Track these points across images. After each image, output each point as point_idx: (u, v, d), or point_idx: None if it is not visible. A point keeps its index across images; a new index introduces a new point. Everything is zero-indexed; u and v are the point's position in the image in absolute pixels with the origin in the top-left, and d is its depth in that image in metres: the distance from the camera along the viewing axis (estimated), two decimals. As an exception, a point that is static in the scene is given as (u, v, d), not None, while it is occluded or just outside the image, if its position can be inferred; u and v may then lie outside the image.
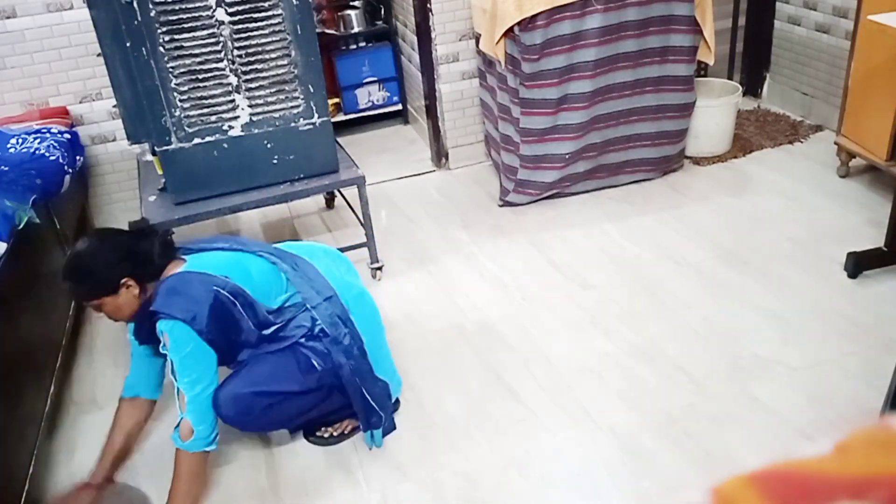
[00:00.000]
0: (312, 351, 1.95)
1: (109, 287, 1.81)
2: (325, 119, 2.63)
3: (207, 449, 1.83)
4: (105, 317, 1.90)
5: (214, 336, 1.80)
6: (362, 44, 4.37)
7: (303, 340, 1.95)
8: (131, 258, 1.83)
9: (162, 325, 1.77)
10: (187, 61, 2.42)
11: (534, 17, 2.89)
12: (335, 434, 2.12)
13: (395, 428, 2.12)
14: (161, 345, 1.82)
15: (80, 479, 1.96)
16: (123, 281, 1.82)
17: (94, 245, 1.84)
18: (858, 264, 2.57)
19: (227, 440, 2.19)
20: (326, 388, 1.97)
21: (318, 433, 2.13)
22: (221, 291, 1.83)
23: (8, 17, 3.09)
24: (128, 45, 2.34)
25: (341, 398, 2.01)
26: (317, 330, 1.96)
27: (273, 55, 2.49)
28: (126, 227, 2.00)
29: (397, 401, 2.21)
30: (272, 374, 1.92)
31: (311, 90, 2.57)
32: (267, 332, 1.93)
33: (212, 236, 2.09)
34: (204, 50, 2.42)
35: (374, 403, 2.02)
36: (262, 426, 2.06)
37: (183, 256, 1.94)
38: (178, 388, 1.79)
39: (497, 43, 3.02)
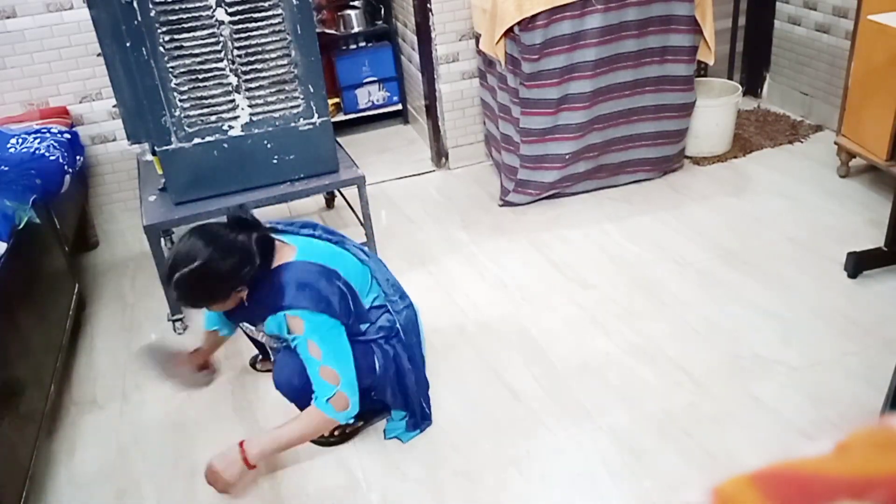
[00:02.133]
0: (382, 352, 1.97)
1: (224, 296, 1.80)
2: (325, 119, 2.63)
3: (344, 422, 1.90)
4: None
5: (347, 322, 1.86)
6: (362, 44, 4.37)
7: (381, 341, 1.99)
8: (246, 265, 1.76)
9: (293, 314, 1.78)
10: (187, 61, 2.42)
11: (534, 17, 2.89)
12: (336, 434, 2.12)
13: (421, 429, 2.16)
14: (283, 331, 1.83)
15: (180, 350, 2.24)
16: (238, 290, 1.80)
17: (210, 257, 1.73)
18: (858, 264, 2.57)
19: (227, 440, 2.18)
20: (368, 389, 1.95)
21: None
22: (341, 285, 1.86)
23: (8, 17, 3.09)
24: (128, 45, 2.34)
25: (371, 403, 2.00)
26: (393, 333, 2.00)
27: (273, 55, 2.49)
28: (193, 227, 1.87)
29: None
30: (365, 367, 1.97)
31: (311, 90, 2.57)
32: (363, 328, 1.96)
33: (294, 220, 2.06)
34: (204, 50, 2.42)
35: (427, 409, 2.13)
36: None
37: (286, 241, 1.90)
38: (313, 374, 1.79)
39: (497, 43, 3.02)
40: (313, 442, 2.12)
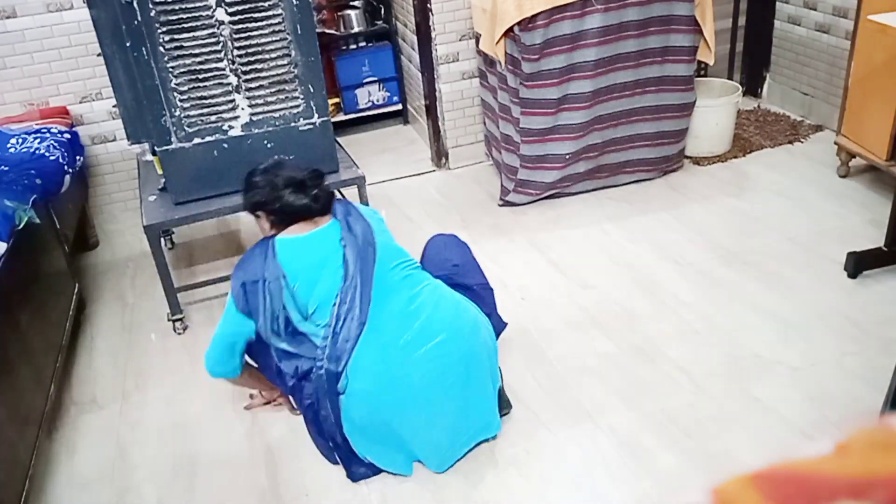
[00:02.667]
0: (300, 393, 2.02)
1: (249, 208, 2.07)
2: (325, 119, 2.63)
3: (211, 377, 2.08)
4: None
5: (243, 308, 1.97)
6: (362, 44, 4.37)
7: (292, 379, 2.00)
8: (271, 199, 1.97)
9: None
10: (187, 61, 2.42)
11: (534, 17, 2.89)
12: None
13: (368, 476, 2.01)
14: None
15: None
16: (257, 212, 2.03)
17: (266, 171, 2.03)
18: (858, 264, 2.57)
19: (227, 440, 2.19)
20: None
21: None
22: (263, 283, 1.94)
23: (8, 17, 3.09)
24: (128, 45, 2.34)
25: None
26: (313, 375, 1.93)
27: (273, 55, 2.49)
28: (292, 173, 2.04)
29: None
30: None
31: (311, 90, 2.57)
32: (282, 331, 1.99)
33: (356, 206, 2.11)
34: (204, 50, 2.42)
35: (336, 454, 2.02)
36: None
37: (318, 222, 2.00)
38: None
39: (497, 43, 3.01)
40: None
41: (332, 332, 1.90)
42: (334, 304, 1.91)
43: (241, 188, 2.09)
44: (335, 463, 2.02)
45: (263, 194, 1.99)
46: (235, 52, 2.45)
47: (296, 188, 1.96)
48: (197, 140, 2.53)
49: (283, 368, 2.00)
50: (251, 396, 2.30)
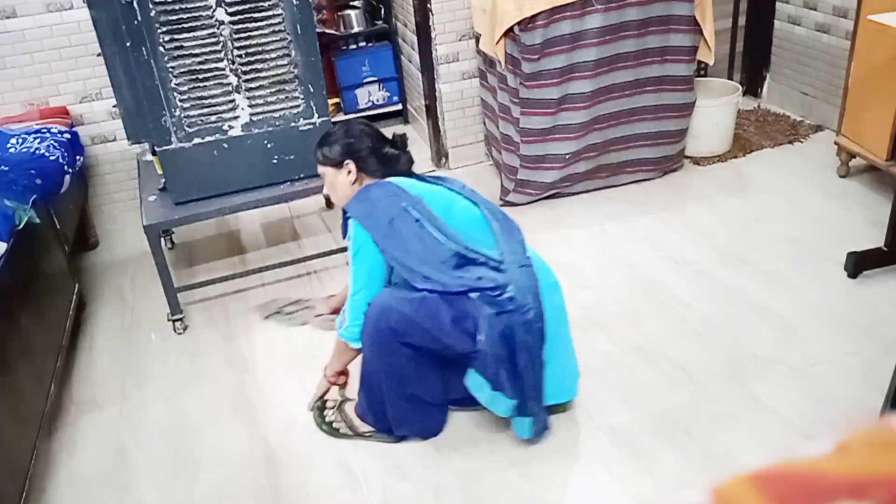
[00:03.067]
0: (489, 323, 1.83)
1: (337, 159, 2.00)
2: (325, 119, 2.63)
3: (351, 344, 1.99)
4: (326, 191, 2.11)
5: (387, 247, 1.88)
6: (362, 44, 4.37)
7: (475, 296, 1.85)
8: (367, 148, 2.00)
9: (349, 224, 1.94)
10: (187, 61, 2.42)
11: (534, 17, 2.89)
12: (344, 428, 2.13)
13: (547, 428, 2.02)
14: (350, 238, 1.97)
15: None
16: (347, 162, 1.99)
17: (350, 123, 2.07)
18: (858, 264, 2.57)
19: (227, 440, 2.19)
20: (467, 359, 1.89)
21: (327, 417, 2.16)
22: (409, 210, 1.89)
23: (8, 17, 3.09)
24: (128, 45, 2.34)
25: (459, 387, 1.95)
26: (504, 296, 1.85)
27: (273, 55, 2.49)
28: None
29: (562, 406, 2.09)
30: (427, 312, 1.85)
31: (311, 90, 2.57)
32: (457, 251, 1.89)
33: (441, 177, 2.13)
34: (204, 50, 2.42)
35: (536, 401, 1.94)
36: (381, 354, 1.92)
37: (406, 177, 2.03)
38: (351, 279, 1.96)
39: (497, 43, 3.02)
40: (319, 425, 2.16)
41: (505, 236, 1.97)
42: (485, 219, 1.99)
43: (326, 140, 2.04)
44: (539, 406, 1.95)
45: (363, 142, 2.00)
46: (235, 52, 2.45)
47: (392, 145, 2.05)
48: (197, 140, 2.53)
49: (469, 306, 1.85)
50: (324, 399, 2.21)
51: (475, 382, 1.91)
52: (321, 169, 2.06)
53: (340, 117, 4.23)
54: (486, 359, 1.86)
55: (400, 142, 2.08)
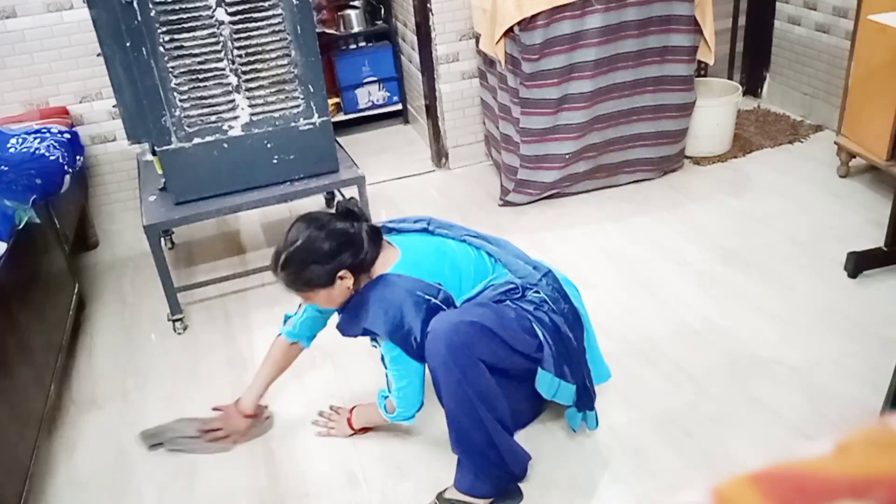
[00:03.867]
0: (535, 318, 1.83)
1: (326, 279, 1.76)
2: (325, 119, 2.63)
3: (406, 423, 1.98)
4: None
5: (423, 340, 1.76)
6: (362, 44, 4.37)
7: (508, 302, 1.83)
8: (348, 249, 1.76)
9: (379, 337, 1.80)
10: (187, 61, 2.42)
11: (534, 16, 2.89)
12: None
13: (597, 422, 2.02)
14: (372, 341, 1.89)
15: (231, 401, 2.17)
16: (341, 274, 1.77)
17: (312, 235, 1.75)
18: (858, 264, 2.57)
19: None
20: (530, 371, 1.83)
21: (446, 494, 1.90)
22: (432, 301, 1.77)
23: (8, 17, 3.09)
24: (128, 45, 2.34)
25: (528, 401, 1.95)
26: (532, 296, 1.86)
27: (273, 55, 2.49)
28: (309, 213, 1.87)
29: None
30: (494, 316, 1.77)
31: (311, 90, 2.57)
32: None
33: (409, 217, 2.03)
34: (204, 50, 2.42)
35: (589, 384, 1.94)
36: (466, 377, 1.71)
37: (392, 243, 1.87)
38: (387, 374, 1.88)
39: (497, 43, 3.02)
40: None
41: (508, 255, 1.97)
42: (481, 253, 1.95)
43: (299, 271, 1.76)
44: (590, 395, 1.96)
45: (342, 246, 1.76)
46: (235, 52, 2.45)
47: (355, 219, 1.82)
48: (197, 140, 2.53)
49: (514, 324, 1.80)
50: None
51: (544, 380, 1.86)
52: (308, 295, 1.82)
53: (341, 117, 4.23)
54: (550, 352, 1.83)
55: (358, 211, 1.85)
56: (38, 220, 2.41)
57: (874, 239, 2.68)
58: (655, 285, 2.68)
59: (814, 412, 2.04)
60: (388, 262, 1.82)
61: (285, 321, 2.14)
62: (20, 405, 2.02)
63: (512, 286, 1.87)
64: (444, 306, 1.78)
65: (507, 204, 3.34)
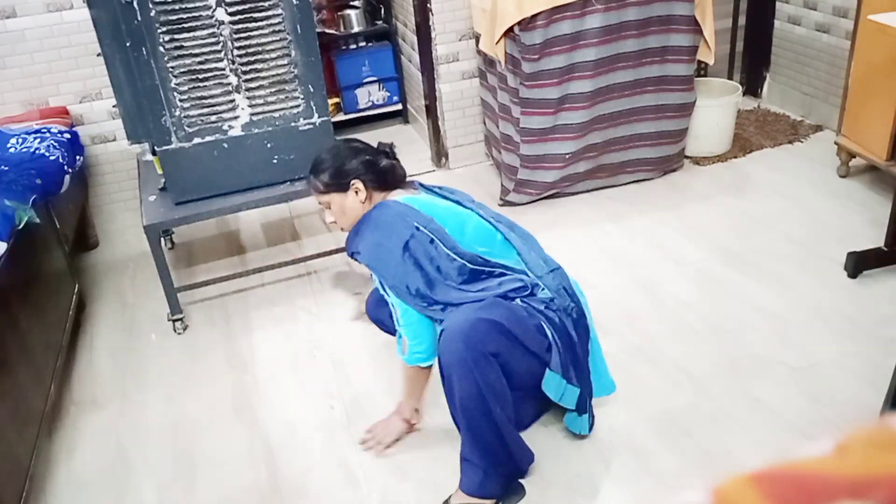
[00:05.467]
0: (546, 317, 1.83)
1: (341, 182, 1.91)
2: (325, 119, 2.63)
3: (423, 365, 1.95)
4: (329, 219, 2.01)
5: (407, 282, 1.83)
6: (362, 44, 4.37)
7: (519, 301, 1.83)
8: (366, 164, 1.93)
9: (361, 259, 1.89)
10: (187, 61, 2.42)
11: (534, 16, 2.89)
12: None
13: (591, 427, 2.02)
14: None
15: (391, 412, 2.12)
16: (353, 182, 1.91)
17: (338, 144, 2.02)
18: (858, 264, 2.57)
19: (227, 440, 2.19)
20: (536, 373, 1.82)
21: None
22: (421, 229, 1.83)
23: (8, 17, 3.09)
24: (128, 45, 2.34)
25: (532, 407, 1.95)
26: (540, 294, 1.86)
27: (273, 55, 2.49)
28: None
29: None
30: (509, 314, 1.76)
31: (311, 90, 2.57)
32: (473, 267, 1.85)
33: (449, 187, 2.07)
34: (204, 50, 2.42)
35: (589, 390, 1.95)
36: (482, 373, 1.70)
37: (416, 189, 2.00)
38: (392, 306, 1.89)
39: (497, 43, 3.02)
40: None
41: (522, 242, 1.98)
42: (494, 229, 1.95)
43: (321, 167, 1.93)
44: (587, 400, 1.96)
45: (361, 157, 1.93)
46: (235, 52, 2.45)
47: (385, 155, 1.98)
48: (197, 140, 2.53)
49: (523, 312, 1.81)
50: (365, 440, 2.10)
51: (552, 381, 1.86)
52: (324, 198, 1.95)
53: (341, 117, 4.23)
54: (558, 353, 1.84)
55: (390, 151, 2.02)
56: (38, 220, 2.41)
57: (874, 239, 2.68)
58: (655, 285, 2.68)
59: (814, 412, 2.04)
60: (395, 195, 1.95)
61: (402, 350, 1.99)
62: (20, 405, 2.02)
63: (521, 284, 1.86)
64: (431, 234, 1.84)
65: (507, 204, 3.34)
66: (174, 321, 2.68)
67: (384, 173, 1.95)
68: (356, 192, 1.91)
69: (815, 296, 2.52)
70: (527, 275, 1.90)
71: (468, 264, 1.85)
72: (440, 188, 2.04)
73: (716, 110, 3.48)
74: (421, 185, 2.04)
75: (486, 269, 1.87)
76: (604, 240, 3.01)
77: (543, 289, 1.88)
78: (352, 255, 1.92)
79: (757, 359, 2.27)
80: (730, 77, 4.09)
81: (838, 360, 2.23)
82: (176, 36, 2.37)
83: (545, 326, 1.82)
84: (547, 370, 1.83)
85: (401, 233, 1.82)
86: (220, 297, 2.88)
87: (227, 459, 2.12)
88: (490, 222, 1.96)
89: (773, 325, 2.40)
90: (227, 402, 2.35)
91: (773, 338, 2.35)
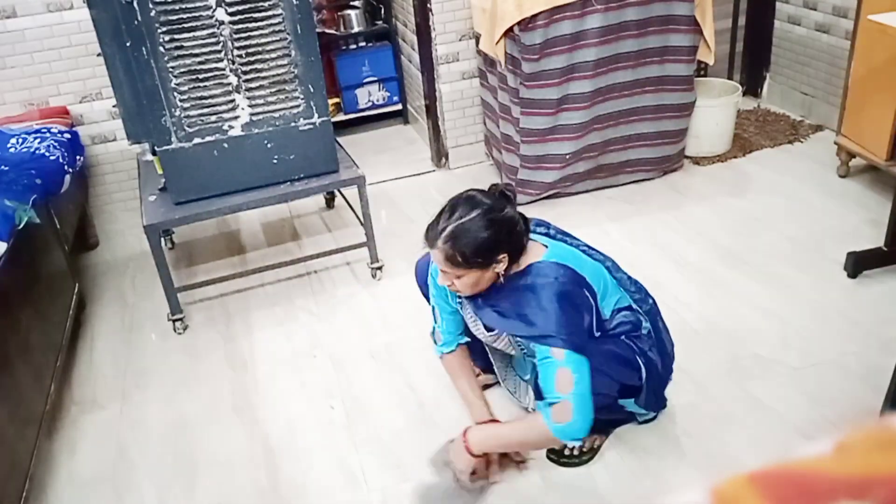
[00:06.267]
0: (640, 350, 1.84)
1: (486, 260, 1.70)
2: (325, 119, 2.63)
3: (571, 443, 1.78)
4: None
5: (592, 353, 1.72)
6: (362, 44, 4.37)
7: (623, 337, 1.84)
8: (511, 233, 1.72)
9: (557, 347, 1.67)
10: (187, 61, 2.42)
11: (534, 16, 2.89)
12: (584, 450, 1.96)
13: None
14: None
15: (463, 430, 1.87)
16: (500, 257, 1.71)
17: (481, 214, 1.69)
18: (858, 264, 2.57)
19: (227, 440, 2.19)
20: (628, 392, 1.84)
21: (566, 452, 1.95)
22: (588, 296, 1.75)
23: (8, 17, 3.09)
24: (128, 45, 2.34)
25: (617, 410, 1.93)
26: (643, 331, 1.87)
27: (273, 55, 2.49)
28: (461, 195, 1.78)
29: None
30: (606, 357, 1.76)
31: (311, 90, 2.57)
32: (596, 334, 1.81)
33: (540, 221, 1.94)
34: (204, 50, 2.42)
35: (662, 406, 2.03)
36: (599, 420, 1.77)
37: (533, 238, 1.83)
38: (537, 379, 1.72)
39: (497, 43, 3.02)
40: (563, 464, 1.95)
41: (623, 277, 1.94)
42: (604, 270, 1.88)
43: (462, 240, 1.67)
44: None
45: (509, 229, 1.71)
46: (235, 52, 2.45)
47: (511, 204, 1.77)
48: (197, 140, 2.53)
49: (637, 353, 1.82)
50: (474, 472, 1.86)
51: (632, 408, 1.94)
52: (459, 272, 1.71)
53: (341, 117, 4.23)
54: (644, 391, 1.87)
55: (513, 197, 1.80)
56: (38, 220, 2.41)
57: (874, 239, 2.68)
58: (655, 285, 2.66)
59: (814, 412, 2.04)
60: (536, 253, 1.78)
61: (434, 339, 2.05)
62: (20, 405, 2.02)
63: (629, 325, 1.85)
64: (591, 299, 1.75)
65: (507, 204, 3.33)
66: (174, 321, 2.68)
67: (522, 236, 1.76)
68: (499, 264, 1.72)
69: (815, 296, 2.52)
70: (632, 310, 1.90)
71: (597, 330, 1.81)
72: (540, 225, 1.92)
73: (716, 110, 3.48)
74: (548, 234, 1.89)
75: (608, 327, 1.86)
76: (604, 240, 3.00)
77: (647, 322, 1.90)
78: (548, 344, 1.68)
79: (757, 359, 2.27)
80: (730, 77, 4.09)
81: (838, 360, 2.23)
82: (176, 36, 2.37)
83: (642, 366, 1.83)
84: (632, 401, 1.88)
85: (587, 304, 1.74)
86: (220, 297, 2.88)
87: (227, 459, 2.12)
88: (596, 258, 1.91)
89: (773, 325, 2.40)
90: (227, 402, 2.35)
91: (773, 338, 2.35)
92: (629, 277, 1.96)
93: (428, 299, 2.06)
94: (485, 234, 1.67)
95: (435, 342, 2.07)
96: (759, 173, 3.41)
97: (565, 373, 1.66)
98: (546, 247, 1.81)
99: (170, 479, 2.08)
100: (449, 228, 1.68)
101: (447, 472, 1.94)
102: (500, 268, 1.73)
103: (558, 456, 1.96)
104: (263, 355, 2.55)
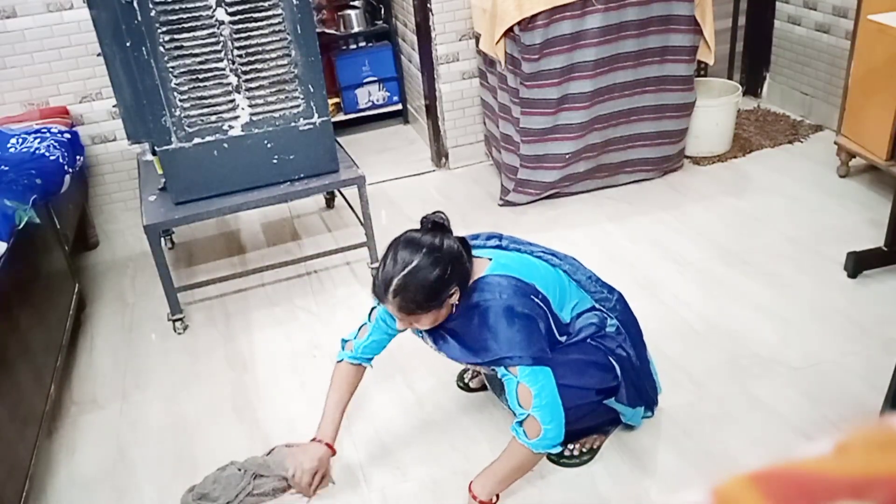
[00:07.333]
0: (608, 349, 1.86)
1: (440, 301, 1.68)
2: (325, 119, 2.63)
3: (552, 451, 1.78)
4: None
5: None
6: (362, 44, 4.37)
7: (589, 340, 1.85)
8: (458, 268, 1.69)
9: (513, 364, 1.69)
10: (187, 61, 2.42)
11: (534, 16, 2.89)
12: (584, 450, 1.98)
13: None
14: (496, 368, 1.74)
15: (312, 436, 1.97)
16: (451, 292, 1.69)
17: (423, 259, 1.65)
18: (858, 264, 2.57)
19: (227, 440, 2.19)
20: (606, 393, 1.86)
21: (565, 453, 1.97)
22: (539, 302, 1.75)
23: (8, 17, 3.09)
24: (128, 45, 2.34)
25: (605, 411, 1.93)
26: (608, 328, 1.89)
27: (273, 55, 2.49)
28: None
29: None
30: (576, 367, 1.79)
31: (311, 90, 2.57)
32: (562, 339, 1.84)
33: (478, 233, 1.93)
34: (204, 50, 2.42)
35: (652, 396, 2.01)
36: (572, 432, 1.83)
37: (477, 255, 1.81)
38: (518, 383, 1.69)
39: (497, 43, 3.02)
40: (563, 464, 1.97)
41: (583, 276, 1.94)
42: (559, 273, 1.88)
43: (408, 290, 1.65)
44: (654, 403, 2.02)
45: (454, 266, 1.68)
46: (235, 52, 2.45)
47: (438, 231, 1.74)
48: (197, 140, 2.53)
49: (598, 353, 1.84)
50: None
51: (617, 408, 1.94)
52: (416, 318, 1.70)
53: (341, 117, 4.23)
54: (624, 387, 1.88)
55: (447, 224, 1.77)
56: (38, 220, 2.41)
57: (874, 239, 2.68)
58: (655, 285, 2.67)
59: (814, 412, 2.04)
60: (480, 269, 1.77)
61: (343, 346, 2.02)
62: (20, 405, 2.02)
63: (594, 327, 1.87)
64: (543, 305, 1.76)
65: (507, 204, 3.34)
66: (174, 321, 2.68)
67: (466, 263, 1.73)
68: (451, 297, 1.71)
69: (815, 296, 2.52)
70: (595, 310, 1.91)
71: (559, 335, 1.83)
72: (478, 239, 1.91)
73: (716, 110, 3.48)
74: (464, 240, 1.83)
75: (569, 334, 1.87)
76: (604, 240, 3.01)
77: (613, 319, 1.91)
78: (503, 365, 1.70)
79: (757, 359, 2.27)
80: (730, 77, 4.09)
81: (838, 360, 2.23)
82: (176, 36, 2.37)
83: (614, 364, 1.86)
84: (614, 400, 1.89)
85: (537, 310, 1.73)
86: (220, 297, 2.88)
87: (228, 459, 2.12)
88: (553, 266, 1.90)
89: (773, 325, 2.40)
90: (227, 402, 2.35)
91: (773, 338, 2.35)
92: (590, 276, 1.96)
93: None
94: (432, 276, 1.65)
95: (342, 348, 2.00)
96: (759, 173, 3.41)
97: (524, 388, 1.68)
98: (490, 259, 1.80)
99: (170, 479, 2.08)
100: (395, 280, 1.65)
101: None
102: (454, 299, 1.72)
103: (558, 456, 1.96)
104: (263, 355, 2.55)
